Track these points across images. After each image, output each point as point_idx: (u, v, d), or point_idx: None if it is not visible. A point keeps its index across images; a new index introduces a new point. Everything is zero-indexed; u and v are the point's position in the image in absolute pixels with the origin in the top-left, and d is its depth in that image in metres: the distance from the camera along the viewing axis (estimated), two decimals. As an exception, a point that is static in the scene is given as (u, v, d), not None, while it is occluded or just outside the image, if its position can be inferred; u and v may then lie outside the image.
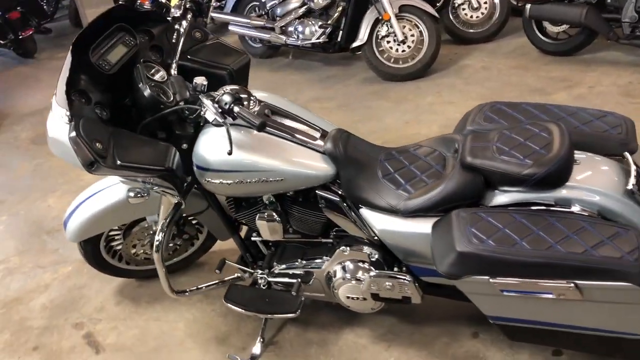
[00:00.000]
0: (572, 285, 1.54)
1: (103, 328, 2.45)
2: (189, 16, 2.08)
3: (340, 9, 4.60)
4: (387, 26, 4.41)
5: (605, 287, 1.51)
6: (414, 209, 1.82)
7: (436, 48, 4.43)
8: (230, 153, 1.76)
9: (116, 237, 2.46)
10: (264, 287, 2.22)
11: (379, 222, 1.89)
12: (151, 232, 2.42)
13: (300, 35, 4.82)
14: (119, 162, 1.72)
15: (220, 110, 1.78)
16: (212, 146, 1.89)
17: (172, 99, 1.93)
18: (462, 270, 1.63)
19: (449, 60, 4.75)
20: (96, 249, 2.40)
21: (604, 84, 3.91)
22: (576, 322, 1.68)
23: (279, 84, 4.82)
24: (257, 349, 2.19)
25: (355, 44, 4.49)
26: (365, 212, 1.92)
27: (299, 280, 2.13)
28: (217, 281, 2.32)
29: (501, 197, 1.78)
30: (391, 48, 4.47)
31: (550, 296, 1.59)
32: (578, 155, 1.78)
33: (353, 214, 1.94)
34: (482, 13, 4.94)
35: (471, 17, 4.97)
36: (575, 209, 1.70)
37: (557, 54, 4.46)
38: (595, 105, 3.63)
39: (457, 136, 1.96)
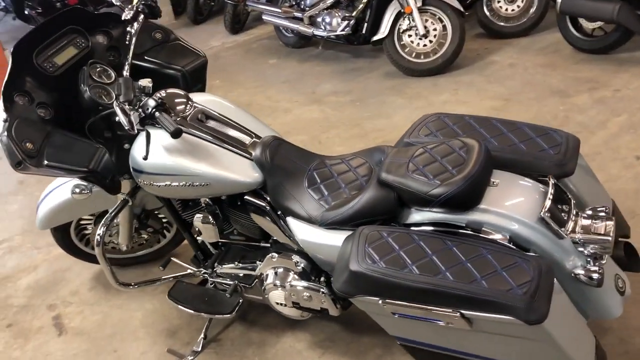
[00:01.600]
0: (458, 314, 1.47)
1: (72, 311, 2.59)
2: (140, 18, 2.13)
3: (365, 0, 4.52)
4: (409, 19, 4.30)
5: (490, 319, 1.44)
6: (330, 221, 1.80)
7: (459, 44, 4.27)
8: (145, 158, 1.81)
9: (87, 225, 2.58)
10: (210, 287, 2.27)
11: (300, 232, 1.88)
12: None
13: (327, 27, 4.79)
14: (45, 162, 1.81)
15: (143, 115, 1.83)
16: (139, 149, 1.94)
17: (114, 100, 2.00)
18: (354, 290, 1.61)
19: (476, 55, 4.57)
20: (67, 236, 2.53)
21: (631, 87, 3.64)
22: (472, 350, 1.62)
23: (303, 75, 4.83)
24: (198, 345, 2.26)
25: (376, 37, 4.41)
26: (290, 220, 1.91)
27: (236, 282, 2.17)
28: (169, 276, 2.40)
29: (415, 216, 1.72)
30: (412, 42, 4.36)
31: (440, 323, 1.54)
32: (499, 176, 1.70)
33: (280, 221, 1.94)
34: (518, 6, 4.69)
35: (506, 10, 4.73)
36: (487, 233, 1.62)
37: (591, 52, 4.18)
38: (613, 111, 3.43)
39: (388, 148, 1.92)
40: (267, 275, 2.05)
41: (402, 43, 4.39)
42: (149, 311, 2.50)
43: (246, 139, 1.98)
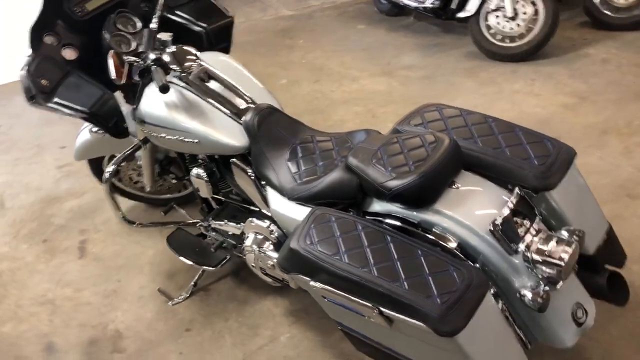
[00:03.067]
0: (377, 310, 1.45)
1: (97, 239, 2.83)
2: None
3: (457, -27, 4.30)
4: (498, -1, 4.05)
5: (404, 321, 1.40)
6: (296, 196, 1.81)
7: (549, 31, 3.96)
8: (135, 108, 1.91)
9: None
10: (207, 239, 2.38)
11: (272, 201, 1.91)
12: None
13: (418, -3, 4.63)
14: (54, 99, 1.97)
15: (142, 66, 1.92)
16: (145, 100, 2.04)
17: (132, 49, 2.11)
18: (289, 267, 1.62)
19: (570, 45, 4.21)
20: (99, 169, 2.74)
21: None
22: (396, 347, 1.59)
23: (385, 45, 4.73)
24: (187, 291, 2.39)
25: (462, 14, 4.21)
26: (267, 188, 1.94)
27: (224, 239, 2.25)
28: (172, 222, 2.53)
29: (376, 206, 1.69)
30: (498, 24, 4.10)
31: (363, 316, 1.52)
32: (465, 178, 1.61)
33: (261, 189, 1.98)
34: (633, -5, 4.24)
35: (618, -2, 4.30)
36: (438, 235, 1.56)
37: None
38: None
39: (373, 132, 1.87)
40: (246, 237, 2.11)
41: (487, 23, 4.15)
42: (159, 251, 2.66)
43: (242, 104, 2.01)
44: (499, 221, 1.49)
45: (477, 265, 1.53)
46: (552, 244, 1.48)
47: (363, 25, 5.25)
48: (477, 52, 4.27)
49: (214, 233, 2.32)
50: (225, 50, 2.34)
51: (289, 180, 1.86)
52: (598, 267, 1.71)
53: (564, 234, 1.55)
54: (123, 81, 1.91)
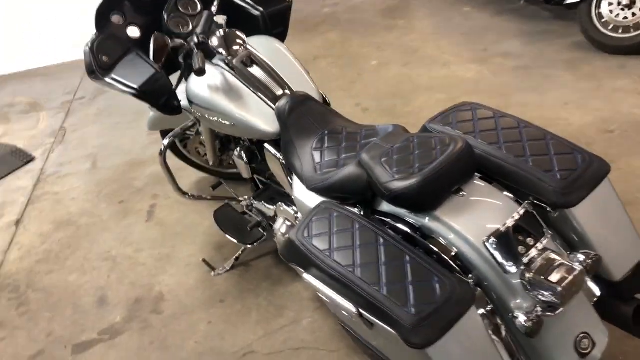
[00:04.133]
0: (356, 311, 1.44)
1: (165, 205, 3.03)
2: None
3: (569, -45, 3.96)
4: (613, -16, 3.68)
5: (380, 326, 1.38)
6: (313, 186, 1.82)
7: (671, 21, 3.55)
8: (174, 88, 2.01)
9: (190, 135, 2.93)
10: (249, 217, 2.47)
11: (295, 188, 1.94)
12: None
13: (527, -20, 4.35)
14: (111, 75, 2.13)
15: (187, 49, 2.02)
16: (192, 81, 2.14)
17: (189, 30, 2.21)
18: (287, 256, 1.64)
19: (696, 40, 3.74)
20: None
21: None
22: (383, 350, 1.56)
23: (486, 30, 4.49)
24: (229, 264, 2.50)
25: (570, 0, 3.89)
26: (293, 175, 1.97)
27: (262, 219, 2.32)
28: (220, 197, 2.64)
29: (384, 205, 1.65)
30: (611, 12, 3.74)
31: (346, 314, 1.51)
32: (474, 187, 1.52)
33: (288, 176, 2.01)
34: None
35: None
36: (437, 243, 1.50)
37: None
38: None
39: (398, 128, 1.82)
40: (277, 220, 2.16)
41: (599, 11, 3.80)
42: (214, 223, 2.79)
43: (279, 91, 2.04)
44: (495, 235, 1.40)
45: (472, 279, 1.46)
46: (553, 267, 1.37)
47: (469, 8, 5.02)
48: (584, 43, 3.93)
49: (254, 212, 2.40)
50: (281, 35, 2.37)
51: (310, 169, 1.87)
52: (625, 296, 1.56)
53: (579, 257, 1.42)
54: (160, 63, 2.01)
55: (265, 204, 2.29)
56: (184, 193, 2.56)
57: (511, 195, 1.53)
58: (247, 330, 2.18)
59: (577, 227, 1.50)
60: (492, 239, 1.40)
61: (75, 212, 3.10)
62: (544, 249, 1.43)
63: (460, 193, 1.51)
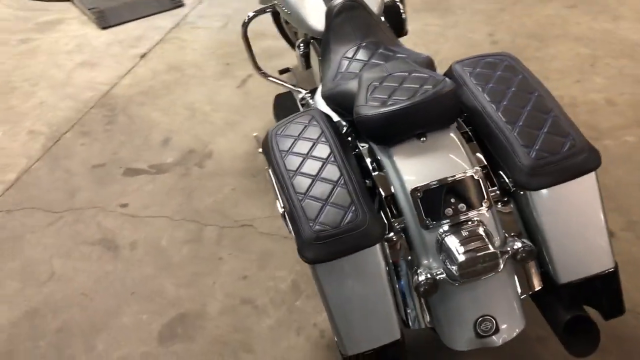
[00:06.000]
0: (281, 212, 1.51)
1: (259, 78, 3.21)
2: None
3: None
4: None
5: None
6: (322, 93, 1.84)
7: None
8: None
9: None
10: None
11: (318, 92, 1.98)
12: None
13: None
14: None
15: None
16: None
17: None
18: (262, 146, 1.72)
19: None
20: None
21: None
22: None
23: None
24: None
25: None
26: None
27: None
28: (286, 84, 2.71)
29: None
30: None
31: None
32: (440, 136, 1.44)
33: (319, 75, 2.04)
34: None
35: None
36: (381, 177, 1.49)
37: None
38: None
39: (422, 58, 1.73)
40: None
41: None
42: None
43: None
44: (425, 188, 1.35)
45: (400, 224, 1.44)
46: (469, 239, 1.31)
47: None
48: None
49: (304, 107, 2.47)
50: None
51: (331, 76, 1.87)
52: (564, 302, 1.44)
53: (516, 244, 1.34)
54: None
55: (311, 99, 2.35)
56: (258, 68, 2.68)
57: (472, 156, 1.43)
58: (257, 207, 2.35)
59: (533, 214, 1.39)
60: (421, 191, 1.36)
61: (188, 60, 3.42)
62: (473, 220, 1.36)
63: (422, 138, 1.45)
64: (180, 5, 4.07)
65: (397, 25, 2.30)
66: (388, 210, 1.46)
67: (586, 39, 3.36)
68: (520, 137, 1.39)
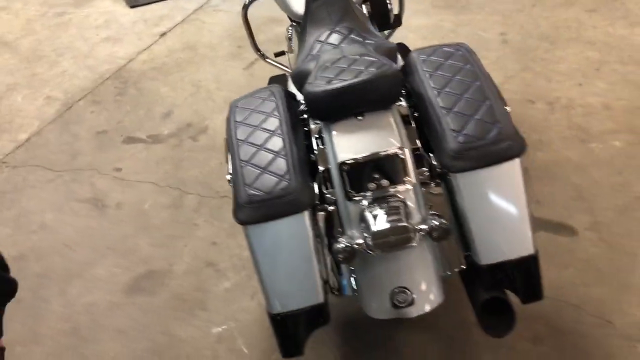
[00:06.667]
0: (229, 176, 1.60)
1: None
2: None
3: None
4: None
5: None
6: (291, 73, 1.94)
7: None
8: None
9: None
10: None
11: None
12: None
13: None
14: None
15: None
16: None
17: None
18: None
19: None
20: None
21: None
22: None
23: None
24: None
25: None
26: (299, 59, 2.09)
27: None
28: (283, 66, 2.80)
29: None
30: None
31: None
32: (377, 116, 1.51)
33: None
34: None
35: None
36: (320, 151, 1.58)
37: None
38: None
39: (392, 47, 1.80)
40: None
41: None
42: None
43: None
44: (351, 162, 1.43)
45: (331, 197, 1.52)
46: (382, 213, 1.39)
47: None
48: None
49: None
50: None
51: (301, 58, 1.97)
52: (486, 284, 1.50)
53: (433, 222, 1.41)
54: None
55: (293, 82, 2.44)
56: (257, 49, 2.78)
57: (404, 137, 1.49)
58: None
59: (457, 196, 1.45)
60: (348, 165, 1.44)
61: (203, 41, 3.56)
62: (395, 196, 1.43)
63: (359, 117, 1.53)
64: (207, -12, 4.22)
65: (383, 16, 2.36)
66: (324, 183, 1.54)
67: (599, 43, 3.33)
68: (452, 122, 1.45)
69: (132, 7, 4.05)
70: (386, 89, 1.51)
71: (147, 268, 2.10)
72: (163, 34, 3.69)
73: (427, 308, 1.48)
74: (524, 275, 1.49)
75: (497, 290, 1.49)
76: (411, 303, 1.46)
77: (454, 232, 1.51)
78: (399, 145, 1.45)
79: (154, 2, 4.07)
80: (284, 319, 1.51)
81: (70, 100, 3.10)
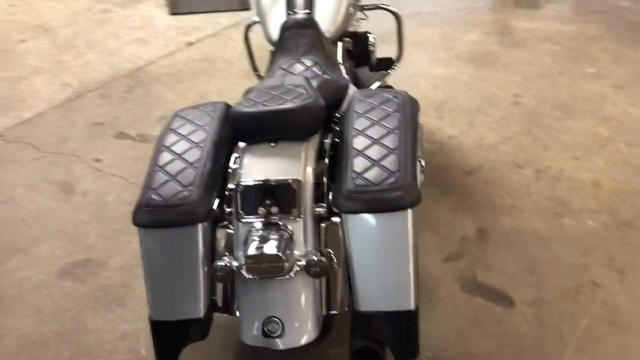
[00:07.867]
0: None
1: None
2: None
3: None
4: None
5: None
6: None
7: None
8: None
9: None
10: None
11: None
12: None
13: None
14: None
15: None
16: None
17: None
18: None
19: None
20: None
21: None
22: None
23: None
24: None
25: None
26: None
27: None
28: None
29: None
30: None
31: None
32: (292, 146, 1.52)
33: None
34: None
35: None
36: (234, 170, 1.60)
37: None
38: None
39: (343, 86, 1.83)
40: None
41: None
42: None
43: (300, 8, 2.14)
44: (245, 184, 1.45)
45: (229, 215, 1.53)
46: (262, 239, 1.39)
47: None
48: None
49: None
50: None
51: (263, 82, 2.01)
52: (363, 331, 1.47)
53: (312, 257, 1.41)
54: None
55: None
56: (255, 69, 2.85)
57: (309, 170, 1.49)
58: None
59: (345, 237, 1.44)
60: (242, 186, 1.46)
61: (224, 56, 3.67)
62: (283, 225, 1.44)
63: (272, 143, 1.55)
64: (247, 9, 4.37)
65: (364, 55, 2.39)
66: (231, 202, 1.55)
67: (614, 120, 3.21)
68: (357, 164, 1.45)
69: (172, 14, 4.25)
70: (303, 121, 1.52)
71: (86, 256, 2.17)
72: (190, 44, 3.84)
73: (298, 342, 1.46)
74: (398, 330, 1.45)
75: (372, 339, 1.46)
76: (281, 335, 1.45)
77: (342, 272, 1.49)
78: (297, 177, 1.45)
79: (194, 13, 4.25)
80: (162, 326, 1.53)
81: (82, 90, 3.27)
